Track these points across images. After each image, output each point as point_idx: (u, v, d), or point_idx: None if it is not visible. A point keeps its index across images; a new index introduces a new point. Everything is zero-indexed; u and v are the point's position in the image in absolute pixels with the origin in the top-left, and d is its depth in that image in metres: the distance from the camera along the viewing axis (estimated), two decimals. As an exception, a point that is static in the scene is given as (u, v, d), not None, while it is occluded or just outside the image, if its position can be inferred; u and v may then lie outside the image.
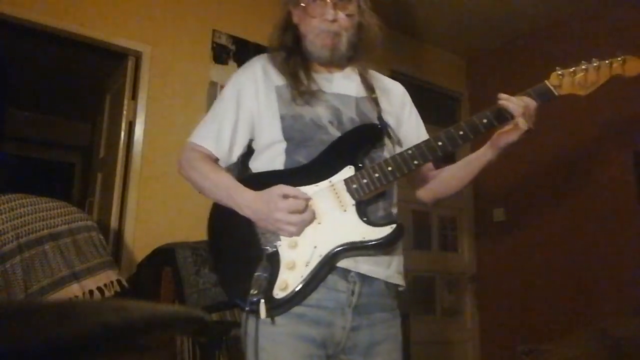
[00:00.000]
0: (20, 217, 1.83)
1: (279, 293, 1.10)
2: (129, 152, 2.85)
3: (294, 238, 1.14)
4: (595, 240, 3.28)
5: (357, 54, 1.34)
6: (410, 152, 1.18)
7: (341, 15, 1.26)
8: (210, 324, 1.12)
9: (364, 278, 1.16)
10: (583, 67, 1.22)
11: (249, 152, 1.32)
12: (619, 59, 1.21)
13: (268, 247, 1.15)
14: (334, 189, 1.16)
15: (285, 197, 1.12)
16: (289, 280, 1.11)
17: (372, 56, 1.36)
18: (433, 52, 4.20)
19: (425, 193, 1.41)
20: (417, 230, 3.95)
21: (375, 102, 1.30)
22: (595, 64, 1.21)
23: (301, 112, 1.23)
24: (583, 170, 3.44)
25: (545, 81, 1.22)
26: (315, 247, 1.13)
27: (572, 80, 1.21)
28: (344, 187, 1.16)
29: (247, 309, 1.09)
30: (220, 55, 3.08)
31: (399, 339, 1.25)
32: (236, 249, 1.21)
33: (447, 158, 1.29)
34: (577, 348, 2.39)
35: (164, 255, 2.27)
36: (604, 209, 3.27)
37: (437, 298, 3.95)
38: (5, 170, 5.15)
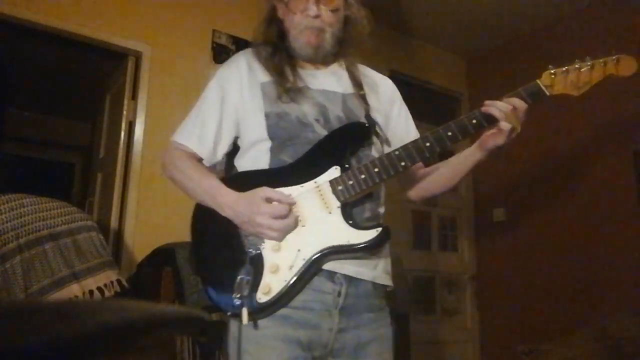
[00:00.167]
0: (20, 217, 1.83)
1: (262, 297, 1.08)
2: (129, 152, 2.85)
3: (278, 242, 1.11)
4: (595, 240, 3.28)
5: (344, 48, 1.30)
6: (397, 153, 1.14)
7: (325, 10, 1.22)
8: (210, 324, 1.11)
9: (351, 279, 1.14)
10: (576, 66, 1.18)
11: (234, 149, 1.29)
12: (613, 58, 1.18)
13: (251, 250, 1.12)
14: (319, 191, 1.13)
15: (269, 200, 1.09)
16: (272, 284, 1.09)
17: (360, 50, 1.32)
18: (433, 52, 4.20)
19: (414, 192, 1.38)
20: (417, 230, 3.95)
21: (363, 99, 1.27)
22: (588, 63, 1.18)
23: (286, 109, 1.19)
24: (583, 170, 3.44)
25: (537, 80, 1.19)
26: (299, 250, 1.10)
27: (564, 79, 1.18)
28: (330, 188, 1.13)
29: (228, 313, 1.07)
30: (220, 55, 3.08)
31: (389, 339, 1.22)
32: (219, 251, 1.17)
33: (444, 154, 1.27)
34: (577, 348, 2.39)
35: (164, 255, 2.27)
36: (604, 209, 3.27)
37: (437, 298, 3.95)
38: (5, 170, 5.15)
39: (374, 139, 1.24)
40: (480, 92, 4.13)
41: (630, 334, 2.33)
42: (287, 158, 1.17)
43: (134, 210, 2.73)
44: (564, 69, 1.19)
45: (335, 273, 1.12)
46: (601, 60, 1.18)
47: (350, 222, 1.12)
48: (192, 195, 1.21)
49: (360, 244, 1.10)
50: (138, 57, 2.91)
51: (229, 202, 1.13)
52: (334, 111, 1.21)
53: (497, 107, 1.13)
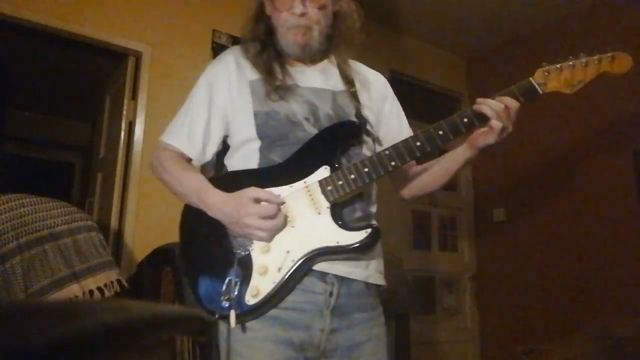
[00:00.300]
0: (20, 217, 1.82)
1: (250, 299, 1.07)
2: (129, 152, 2.85)
3: (267, 242, 1.10)
4: (595, 240, 3.28)
5: (334, 45, 1.28)
6: (387, 152, 1.12)
7: (311, 8, 1.19)
8: (210, 324, 1.11)
9: (342, 279, 1.12)
10: (570, 63, 1.16)
11: (224, 148, 1.27)
12: (608, 55, 1.16)
13: (240, 251, 1.10)
14: (309, 191, 1.11)
15: (257, 200, 1.08)
16: (260, 286, 1.07)
17: (351, 46, 1.30)
18: (433, 52, 4.20)
19: (406, 191, 1.36)
20: (417, 230, 3.95)
21: (354, 96, 1.24)
22: (582, 61, 1.16)
23: (275, 108, 1.17)
24: (583, 170, 3.44)
25: (530, 78, 1.17)
26: (288, 251, 1.09)
27: (558, 77, 1.16)
28: (319, 188, 1.11)
29: (216, 315, 1.06)
30: (220, 55, 3.08)
31: (383, 339, 1.20)
32: (207, 252, 1.16)
33: (441, 151, 1.25)
34: (577, 348, 2.39)
35: (164, 255, 2.27)
36: (604, 209, 3.27)
37: (437, 298, 3.95)
38: (5, 170, 5.15)
39: (365, 137, 1.22)
40: (480, 92, 4.08)
41: (630, 334, 2.33)
42: (277, 158, 1.16)
43: (134, 210, 2.73)
44: (557, 66, 1.17)
45: (327, 273, 1.11)
46: (595, 58, 1.16)
47: (340, 222, 1.10)
48: (181, 196, 1.20)
49: (350, 245, 1.08)
50: (138, 57, 2.91)
51: (217, 203, 1.11)
52: (323, 109, 1.19)
53: (489, 106, 1.12)
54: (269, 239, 1.09)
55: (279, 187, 1.12)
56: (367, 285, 1.16)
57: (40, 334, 0.30)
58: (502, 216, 3.93)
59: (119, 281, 1.96)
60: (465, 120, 1.14)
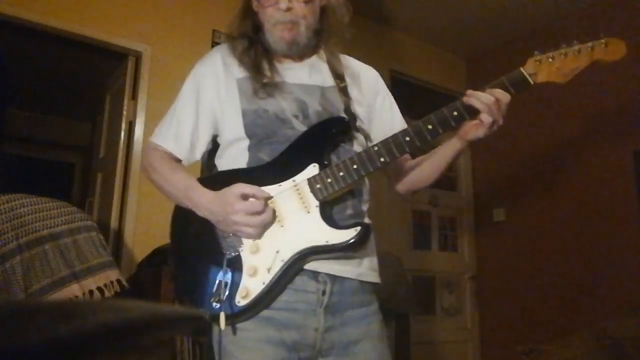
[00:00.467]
0: (20, 217, 1.82)
1: (240, 301, 1.05)
2: (129, 152, 2.85)
3: (256, 242, 1.08)
4: (595, 240, 3.28)
5: (324, 39, 1.26)
6: (376, 148, 1.10)
7: (297, 2, 1.17)
8: (210, 324, 1.10)
9: (335, 277, 1.11)
10: (562, 51, 1.12)
11: (215, 147, 1.26)
12: (601, 41, 1.10)
13: (230, 252, 1.09)
14: (297, 189, 1.10)
15: (244, 197, 1.06)
16: (250, 288, 1.06)
17: (340, 40, 1.27)
18: (433, 52, 4.20)
19: (400, 186, 1.34)
20: (417, 230, 3.95)
21: (344, 91, 1.22)
22: (575, 48, 1.12)
23: (264, 106, 1.16)
24: (583, 170, 3.44)
25: (521, 68, 1.13)
26: (277, 251, 1.07)
27: (550, 66, 1.12)
28: (308, 187, 1.09)
29: (207, 317, 1.05)
30: (220, 55, 3.07)
31: (382, 334, 1.18)
32: (197, 253, 1.15)
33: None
34: (577, 348, 2.39)
35: (164, 255, 2.27)
36: (604, 208, 3.27)
37: (437, 298, 3.96)
38: (5, 170, 5.15)
39: (356, 133, 1.20)
40: (480, 92, 4.12)
41: (630, 334, 2.33)
42: (266, 156, 1.14)
43: (134, 210, 2.73)
44: (549, 55, 1.13)
45: (319, 272, 1.09)
46: (588, 45, 1.11)
47: (329, 221, 1.08)
48: (170, 196, 1.19)
49: (339, 243, 1.06)
50: (138, 57, 2.91)
51: (204, 202, 1.10)
52: (313, 106, 1.17)
53: (478, 99, 1.09)
54: (258, 235, 1.08)
55: (268, 187, 1.11)
56: (361, 282, 1.15)
57: (40, 333, 0.30)
58: (502, 216, 3.93)
59: (119, 281, 1.96)
60: (455, 113, 1.11)
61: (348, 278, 1.12)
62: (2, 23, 2.58)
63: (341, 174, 1.09)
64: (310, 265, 1.09)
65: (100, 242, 2.01)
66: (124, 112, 2.92)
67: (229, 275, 1.07)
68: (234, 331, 1.07)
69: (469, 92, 1.11)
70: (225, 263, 1.08)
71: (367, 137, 1.25)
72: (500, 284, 3.89)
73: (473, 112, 1.11)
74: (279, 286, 1.07)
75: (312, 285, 1.09)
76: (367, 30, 3.67)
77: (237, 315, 1.06)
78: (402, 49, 3.96)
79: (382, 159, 1.10)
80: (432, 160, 1.26)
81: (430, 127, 1.11)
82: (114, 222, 2.79)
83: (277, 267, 1.07)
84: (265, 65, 1.21)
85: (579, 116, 3.47)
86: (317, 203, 1.09)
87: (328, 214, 1.10)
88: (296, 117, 1.16)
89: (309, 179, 1.10)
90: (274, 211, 1.09)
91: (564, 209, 3.50)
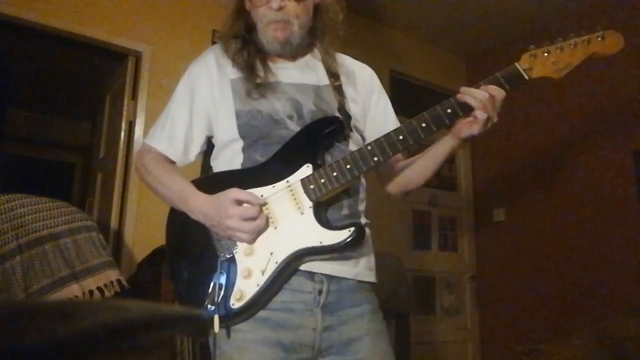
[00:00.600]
0: (20, 217, 1.83)
1: (235, 303, 1.05)
2: (129, 152, 2.85)
3: (249, 244, 1.08)
4: (596, 240, 3.28)
5: (318, 38, 1.24)
6: (369, 147, 1.09)
7: (289, 1, 1.15)
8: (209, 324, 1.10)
9: (332, 277, 1.10)
10: (558, 45, 1.09)
11: (211, 148, 1.25)
12: (598, 34, 1.07)
13: (224, 254, 1.09)
14: (291, 190, 1.09)
15: (238, 202, 1.06)
16: (244, 290, 1.05)
17: (335, 38, 1.25)
18: (433, 52, 4.20)
19: (392, 186, 1.32)
20: (417, 230, 3.95)
21: (339, 90, 1.20)
22: (571, 42, 1.08)
23: (257, 106, 1.15)
24: (583, 170, 3.45)
25: (516, 63, 1.11)
26: (271, 253, 1.06)
27: (545, 61, 1.09)
28: (301, 187, 1.08)
29: None
30: (220, 55, 3.07)
31: (382, 332, 1.16)
32: (192, 255, 1.14)
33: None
34: (577, 348, 2.39)
35: (164, 255, 2.27)
36: (604, 208, 3.27)
37: (437, 298, 3.96)
38: (5, 170, 5.15)
39: (350, 132, 1.19)
40: (480, 92, 4.12)
41: (631, 334, 2.33)
42: (260, 157, 1.14)
43: (134, 210, 2.73)
44: (545, 49, 1.10)
45: (315, 273, 1.09)
46: (584, 38, 1.08)
47: (323, 222, 1.08)
48: (164, 198, 1.18)
49: (333, 244, 1.05)
50: (138, 57, 2.91)
51: (199, 206, 1.10)
52: (307, 105, 1.16)
53: (472, 95, 1.07)
54: (251, 240, 1.07)
55: (262, 188, 1.10)
56: (359, 281, 1.14)
57: (40, 333, 0.30)
58: (502, 216, 3.93)
59: (119, 281, 1.96)
60: (449, 111, 1.10)
61: (345, 278, 1.12)
62: (2, 23, 2.58)
63: (334, 174, 1.08)
64: (306, 266, 1.08)
65: (100, 242, 2.01)
66: (124, 112, 2.92)
67: (223, 277, 1.07)
68: (228, 334, 1.07)
69: (463, 89, 1.09)
70: (219, 265, 1.08)
71: (362, 133, 1.25)
72: (500, 284, 3.89)
73: (467, 109, 1.09)
74: (274, 288, 1.06)
75: (308, 285, 1.09)
76: (367, 30, 3.67)
77: (231, 318, 1.06)
78: (402, 49, 3.96)
79: (375, 159, 1.09)
80: (425, 159, 1.25)
81: (424, 125, 1.09)
82: (114, 222, 2.79)
83: (271, 269, 1.06)
84: (259, 65, 1.20)
85: (579, 116, 3.47)
86: (310, 204, 1.08)
87: (322, 215, 1.09)
88: (290, 117, 1.15)
89: (302, 180, 1.09)
90: (267, 217, 1.08)
91: (564, 209, 3.50)
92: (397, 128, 1.11)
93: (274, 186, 1.10)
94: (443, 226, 4.13)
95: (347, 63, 1.31)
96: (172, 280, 1.20)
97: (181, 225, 1.16)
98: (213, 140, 1.24)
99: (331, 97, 1.20)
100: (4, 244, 1.76)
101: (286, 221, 1.08)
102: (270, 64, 1.22)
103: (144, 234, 2.68)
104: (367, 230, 1.16)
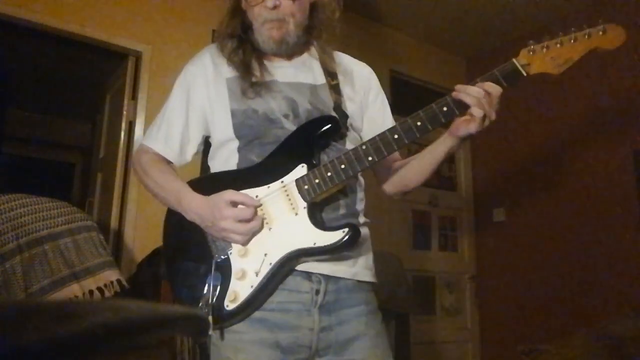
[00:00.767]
0: (20, 217, 1.83)
1: (229, 304, 1.05)
2: (129, 152, 2.85)
3: (244, 245, 1.07)
4: (596, 240, 3.28)
5: (314, 36, 1.23)
6: (364, 147, 1.07)
7: (285, 0, 1.14)
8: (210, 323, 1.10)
9: (329, 277, 1.09)
10: (558, 40, 1.05)
11: (208, 148, 1.24)
12: (599, 28, 1.03)
13: (219, 256, 1.08)
14: (286, 191, 1.08)
15: (233, 203, 1.05)
16: (238, 291, 1.05)
17: (332, 36, 1.24)
18: (433, 52, 4.20)
19: (388, 186, 1.30)
20: (417, 230, 3.95)
21: (336, 89, 1.19)
22: (571, 37, 1.04)
23: (253, 106, 1.14)
24: (583, 170, 3.44)
25: (514, 59, 1.07)
26: (265, 254, 1.06)
27: (544, 57, 1.05)
28: (296, 188, 1.07)
29: None
30: (220, 55, 3.07)
31: (381, 332, 1.15)
32: (188, 256, 1.14)
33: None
34: (577, 348, 2.39)
35: (164, 255, 2.27)
36: (604, 208, 3.27)
37: (437, 298, 3.96)
38: (5, 170, 5.15)
39: (347, 131, 1.17)
40: (480, 92, 4.12)
41: (630, 334, 2.33)
42: (255, 157, 1.13)
43: (134, 210, 2.73)
44: (544, 44, 1.06)
45: (312, 273, 1.08)
46: (585, 32, 1.04)
47: (317, 223, 1.06)
48: (161, 199, 1.18)
49: (327, 245, 1.04)
50: (138, 57, 2.91)
51: (194, 207, 1.09)
52: (303, 104, 1.15)
53: (468, 93, 1.05)
54: (246, 242, 1.07)
55: (256, 188, 1.09)
56: (358, 281, 1.13)
57: (40, 333, 0.30)
58: (502, 216, 3.93)
59: (119, 281, 1.96)
60: (445, 109, 1.07)
61: (343, 278, 1.11)
62: (2, 23, 2.58)
63: (329, 174, 1.07)
64: (303, 266, 1.08)
65: (100, 242, 2.01)
66: (124, 112, 2.93)
67: (218, 278, 1.07)
68: (222, 335, 1.06)
69: (458, 86, 1.07)
70: (214, 267, 1.07)
71: (360, 135, 1.24)
72: (500, 284, 3.89)
73: (463, 107, 1.06)
74: (269, 289, 1.06)
75: (305, 285, 1.08)
76: (367, 30, 3.67)
77: (226, 319, 1.05)
78: (402, 48, 3.96)
79: (369, 158, 1.07)
80: (423, 159, 1.22)
81: (419, 123, 1.07)
82: (114, 222, 2.79)
83: (265, 270, 1.05)
84: (255, 64, 1.19)
85: (579, 116, 3.47)
86: (305, 204, 1.07)
87: (317, 216, 1.08)
88: (286, 116, 1.14)
89: (297, 180, 1.08)
90: (262, 219, 1.07)
91: (564, 208, 3.50)
92: (392, 127, 1.10)
93: (269, 187, 1.09)
94: (443, 226, 4.13)
95: (345, 61, 1.29)
96: (168, 280, 1.20)
97: (177, 225, 1.16)
98: (210, 140, 1.24)
99: (327, 96, 1.19)
100: (3, 244, 1.76)
101: (281, 222, 1.08)
102: (266, 62, 1.21)
103: (144, 234, 2.68)
104: (363, 230, 1.15)
